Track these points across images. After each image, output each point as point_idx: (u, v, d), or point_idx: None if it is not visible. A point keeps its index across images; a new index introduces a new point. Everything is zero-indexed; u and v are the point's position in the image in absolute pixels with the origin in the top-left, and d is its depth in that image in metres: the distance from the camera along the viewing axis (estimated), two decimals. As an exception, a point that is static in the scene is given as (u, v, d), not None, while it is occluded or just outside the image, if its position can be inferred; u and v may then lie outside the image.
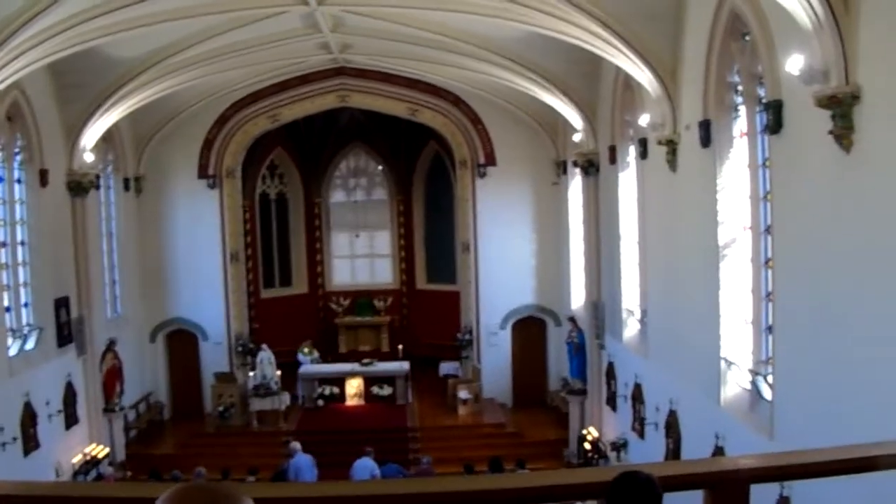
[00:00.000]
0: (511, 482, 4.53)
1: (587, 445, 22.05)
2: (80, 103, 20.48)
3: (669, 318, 16.83)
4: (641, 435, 18.69)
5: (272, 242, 31.95)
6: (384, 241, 33.41)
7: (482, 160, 26.57)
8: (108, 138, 22.69)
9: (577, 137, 22.00)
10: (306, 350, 28.38)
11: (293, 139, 30.87)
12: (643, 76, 15.91)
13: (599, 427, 22.11)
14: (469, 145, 26.64)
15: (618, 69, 17.59)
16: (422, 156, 31.74)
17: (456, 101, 26.13)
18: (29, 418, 18.63)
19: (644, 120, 17.01)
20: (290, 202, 32.52)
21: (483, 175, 26.65)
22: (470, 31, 18.96)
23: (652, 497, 3.71)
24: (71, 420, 20.85)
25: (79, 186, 21.48)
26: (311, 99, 26.29)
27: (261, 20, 18.40)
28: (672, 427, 16.55)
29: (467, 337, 27.26)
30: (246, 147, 27.34)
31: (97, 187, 22.78)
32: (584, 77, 20.53)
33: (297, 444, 19.98)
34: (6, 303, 18.80)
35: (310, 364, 27.75)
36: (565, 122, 22.67)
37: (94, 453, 21.35)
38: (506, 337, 26.96)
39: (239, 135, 26.74)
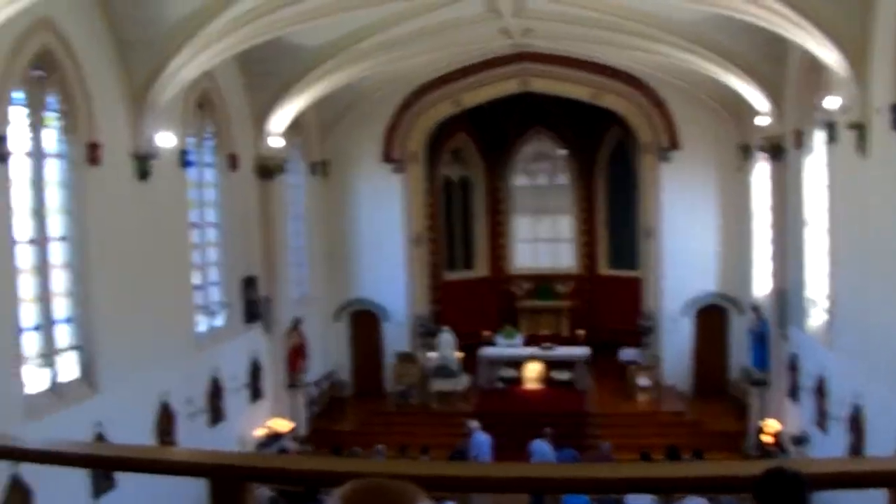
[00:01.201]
0: (654, 472, 4.45)
1: (767, 438, 21.11)
2: (268, 90, 21.06)
3: (859, 310, 15.85)
4: (824, 429, 17.75)
5: (455, 225, 32.07)
6: (566, 225, 33.02)
7: (665, 144, 25.80)
8: (294, 124, 23.21)
9: (761, 121, 21.02)
10: (506, 333, 28.16)
11: (476, 123, 30.83)
12: (830, 56, 15.00)
13: (781, 419, 21.14)
14: (652, 129, 25.93)
15: (803, 49, 16.62)
16: (604, 140, 31.17)
17: (638, 84, 25.44)
18: (216, 391, 19.39)
19: (831, 103, 16.03)
20: (473, 186, 32.57)
21: (666, 159, 25.89)
22: (651, 13, 18.41)
23: (798, 494, 3.66)
24: (255, 394, 21.59)
25: (266, 170, 22.14)
26: (493, 84, 26.19)
27: (442, 6, 18.42)
28: (857, 423, 15.65)
29: (648, 323, 26.61)
30: (429, 131, 27.52)
31: (284, 171, 23.36)
32: (769, 58, 19.56)
33: (475, 422, 20.06)
34: (197, 281, 19.58)
35: (506, 347, 27.57)
36: (749, 105, 21.67)
37: (277, 427, 21.99)
38: (687, 324, 26.16)
39: (422, 119, 26.91)
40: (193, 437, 17.18)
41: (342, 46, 19.94)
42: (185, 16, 15.49)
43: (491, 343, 27.65)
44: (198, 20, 15.53)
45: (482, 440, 19.54)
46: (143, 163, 16.72)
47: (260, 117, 21.44)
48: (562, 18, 19.94)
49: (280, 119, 21.76)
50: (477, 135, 31.71)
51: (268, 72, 20.48)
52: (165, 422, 17.17)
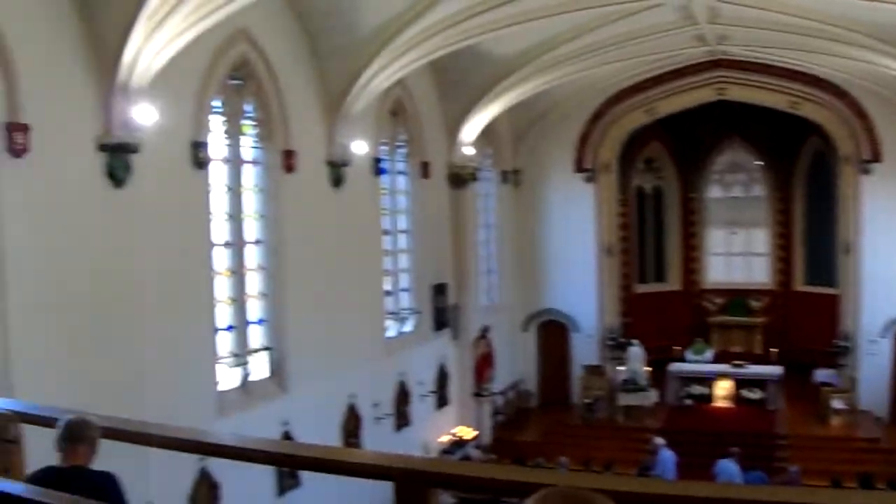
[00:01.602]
0: (846, 500, 3.88)
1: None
2: (460, 99, 20.94)
3: None
4: None
5: (647, 237, 31.09)
6: (761, 239, 31.41)
7: (867, 156, 24.07)
8: (486, 132, 23.04)
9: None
10: (696, 348, 27.11)
11: (669, 133, 29.77)
12: None
13: None
14: (853, 140, 24.27)
15: None
16: (802, 151, 29.40)
17: (839, 92, 23.83)
18: (402, 396, 19.38)
19: None
20: (666, 197, 31.47)
21: (867, 172, 24.16)
22: (855, 17, 17.07)
23: None
24: (441, 401, 21.49)
25: (458, 178, 22.03)
26: (688, 92, 25.20)
27: (635, 14, 17.77)
28: None
29: (845, 344, 24.90)
30: (622, 141, 26.82)
31: (476, 179, 23.19)
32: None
33: (660, 440, 19.37)
34: (388, 287, 19.62)
35: (696, 363, 26.53)
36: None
37: (461, 435, 21.80)
38: (886, 346, 24.28)
39: (615, 129, 26.25)
40: (378, 441, 17.17)
41: (535, 55, 19.58)
42: (379, 25, 15.51)
43: (680, 358, 26.62)
44: (391, 29, 15.53)
45: (668, 457, 18.75)
46: (338, 170, 16.91)
47: (452, 125, 21.35)
48: (758, 24, 18.87)
49: (472, 127, 21.61)
50: (671, 144, 30.63)
51: (460, 80, 20.36)
52: (352, 424, 17.25)
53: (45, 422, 5.96)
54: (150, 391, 11.65)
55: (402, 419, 19.32)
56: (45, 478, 5.19)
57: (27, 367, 10.08)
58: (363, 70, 16.08)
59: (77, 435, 5.37)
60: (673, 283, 31.46)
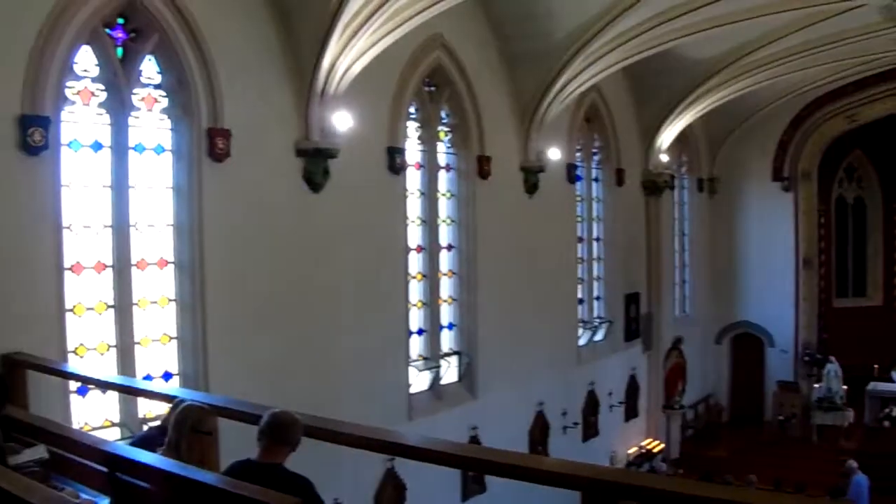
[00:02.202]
0: None
1: None
2: (655, 105, 20.19)
3: None
4: None
5: (847, 249, 29.13)
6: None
7: None
8: (682, 139, 22.19)
9: None
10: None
11: (872, 141, 27.69)
12: None
13: None
14: None
15: None
16: None
17: None
18: (591, 406, 18.77)
19: None
20: (868, 207, 29.39)
21: None
22: None
23: None
24: (630, 412, 20.77)
25: (653, 186, 21.29)
26: (891, 98, 23.36)
27: (836, 16, 16.50)
28: None
29: None
30: (822, 149, 25.28)
31: (671, 187, 22.35)
32: None
33: (853, 463, 18.06)
34: (580, 295, 19.11)
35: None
36: None
37: (649, 447, 20.99)
38: None
39: (815, 136, 24.79)
40: (565, 450, 16.63)
41: (731, 59, 18.54)
42: (573, 30, 15.02)
43: (882, 378, 24.66)
44: (586, 34, 15.01)
45: (862, 483, 17.38)
46: (532, 176, 16.60)
47: (647, 132, 20.61)
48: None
49: (667, 134, 20.77)
50: (873, 152, 28.53)
51: (656, 85, 19.59)
52: (539, 431, 16.83)
53: (240, 416, 6.19)
54: (342, 392, 11.69)
55: (590, 429, 18.73)
56: (242, 471, 5.15)
57: (222, 364, 10.23)
58: (557, 76, 15.66)
59: (281, 436, 5.31)
60: (874, 297, 29.34)
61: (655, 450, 21.11)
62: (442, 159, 14.96)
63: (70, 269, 9.00)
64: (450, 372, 14.99)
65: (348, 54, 11.33)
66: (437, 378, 14.54)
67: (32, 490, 4.29)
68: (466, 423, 14.45)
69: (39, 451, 6.18)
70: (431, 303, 14.63)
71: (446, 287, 15.10)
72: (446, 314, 15.10)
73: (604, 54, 15.77)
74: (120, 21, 9.54)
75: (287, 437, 5.31)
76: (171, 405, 6.25)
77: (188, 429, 5.45)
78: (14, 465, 5.67)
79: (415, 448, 5.65)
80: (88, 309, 9.25)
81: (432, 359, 14.53)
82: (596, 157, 19.87)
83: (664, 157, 21.11)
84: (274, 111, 11.13)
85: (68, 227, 8.94)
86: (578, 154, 18.91)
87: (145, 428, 8.86)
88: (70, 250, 8.96)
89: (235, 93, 10.47)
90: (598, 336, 19.78)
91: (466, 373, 15.17)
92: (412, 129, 14.12)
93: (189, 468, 4.88)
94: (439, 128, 14.82)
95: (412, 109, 13.99)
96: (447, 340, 15.08)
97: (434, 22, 12.70)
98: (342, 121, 11.56)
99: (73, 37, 8.73)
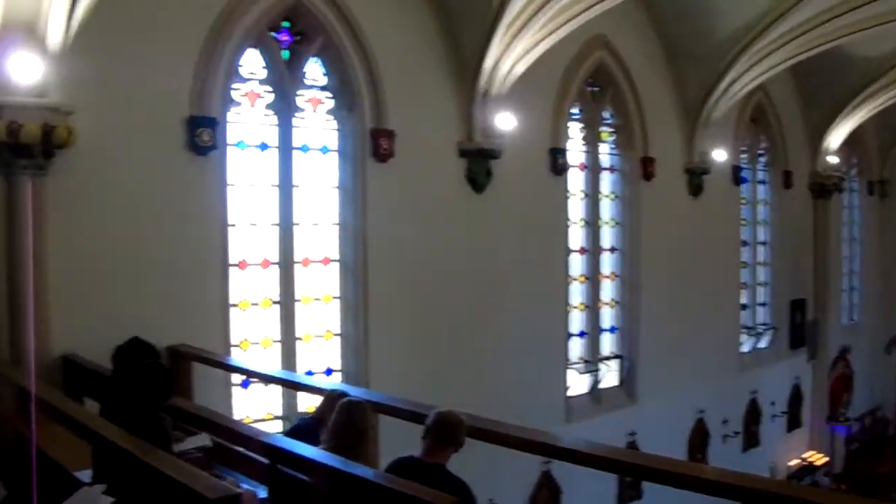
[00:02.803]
0: None
1: None
2: (823, 105, 18.95)
3: None
4: None
5: None
6: None
7: None
8: (852, 140, 20.70)
9: None
10: None
11: None
12: None
13: None
14: None
15: None
16: None
17: None
18: (753, 415, 17.76)
19: None
20: None
21: None
22: None
23: None
24: (793, 423, 19.53)
25: (822, 189, 20.02)
26: None
27: None
28: None
29: None
30: None
31: (840, 190, 20.98)
32: None
33: None
34: (743, 300, 18.16)
35: None
36: None
37: (811, 460, 19.72)
38: None
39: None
40: (724, 459, 15.68)
41: (905, 57, 17.19)
42: (738, 28, 14.15)
43: None
44: (750, 33, 14.12)
45: None
46: (697, 178, 15.87)
47: (815, 133, 19.36)
48: None
49: (836, 135, 19.46)
50: None
51: (824, 85, 18.35)
52: (698, 439, 16.03)
53: (400, 413, 6.28)
54: (500, 393, 11.37)
55: (750, 439, 17.67)
56: (404, 468, 5.12)
57: (383, 362, 10.15)
58: (722, 75, 14.82)
59: (447, 435, 5.26)
60: None
61: (818, 463, 19.79)
62: (605, 160, 14.42)
63: (236, 265, 9.01)
64: (610, 376, 14.43)
65: (511, 55, 11.04)
66: (596, 381, 14.01)
67: (195, 477, 4.28)
68: (625, 429, 13.85)
69: (203, 439, 6.22)
70: (592, 305, 14.12)
71: (608, 289, 14.56)
72: (607, 317, 14.56)
73: (769, 53, 14.82)
74: (285, 24, 9.60)
75: (452, 436, 5.25)
76: (324, 396, 6.25)
77: (350, 424, 5.38)
78: (178, 452, 5.68)
79: (573, 451, 5.52)
80: (253, 304, 9.29)
81: (592, 362, 14.03)
82: (762, 159, 18.82)
83: (833, 159, 19.80)
84: (437, 112, 10.97)
85: (234, 225, 8.99)
86: (744, 156, 17.92)
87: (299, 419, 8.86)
88: (236, 247, 8.98)
89: (399, 94, 10.36)
90: (762, 343, 18.69)
91: (627, 377, 14.59)
92: (575, 129, 13.64)
93: (350, 463, 4.86)
94: (602, 129, 14.27)
95: (575, 110, 13.51)
96: (607, 344, 14.55)
97: (596, 21, 12.18)
98: (505, 121, 11.28)
99: (239, 40, 8.81)
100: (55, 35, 7.09)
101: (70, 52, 7.25)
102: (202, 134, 8.41)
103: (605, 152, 14.39)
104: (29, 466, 4.72)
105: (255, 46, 9.20)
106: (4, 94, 7.01)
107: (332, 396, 5.96)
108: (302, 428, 6.11)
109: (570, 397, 13.38)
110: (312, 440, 5.51)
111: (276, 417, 9.44)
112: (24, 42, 6.96)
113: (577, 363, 13.79)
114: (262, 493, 5.56)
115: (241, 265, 9.13)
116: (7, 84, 6.98)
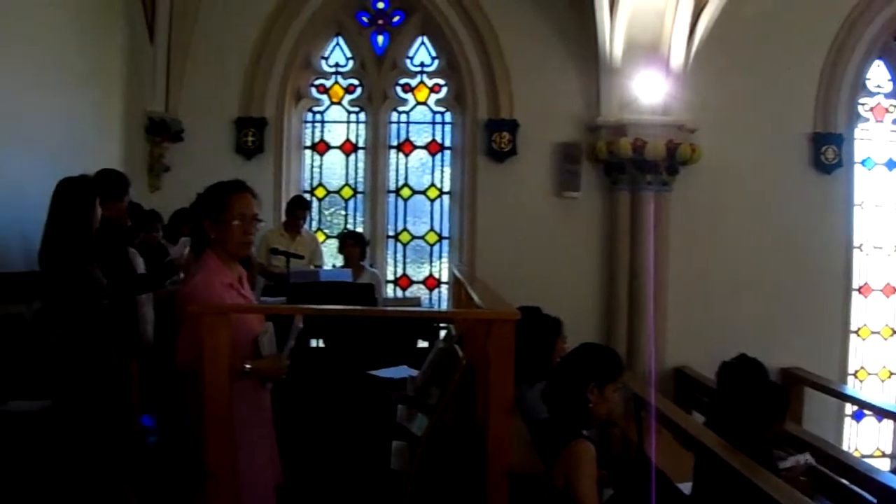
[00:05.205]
0: None
1: None
2: None
3: None
4: None
5: None
6: None
7: None
8: None
9: None
10: None
11: None
12: None
13: None
14: None
15: None
16: None
17: None
18: None
19: None
20: None
21: None
22: None
23: None
24: None
25: None
26: None
27: None
28: None
29: None
30: None
31: None
32: None
33: None
34: None
35: None
36: None
37: None
38: None
39: None
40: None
41: None
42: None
43: None
44: None
45: None
46: None
47: None
48: None
49: None
50: None
51: None
52: None
53: None
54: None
55: None
56: None
57: None
58: None
59: None
60: None
61: None
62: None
63: (858, 290, 8.11)
64: None
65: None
66: None
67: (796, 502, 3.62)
68: None
69: (805, 457, 5.59)
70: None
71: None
72: None
73: None
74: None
75: None
76: None
77: None
78: (781, 469, 5.19)
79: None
80: (873, 332, 8.22)
81: None
82: None
83: None
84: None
85: (859, 247, 8.09)
86: None
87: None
88: (860, 271, 8.08)
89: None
90: None
91: None
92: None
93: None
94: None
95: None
96: None
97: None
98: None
99: (864, 52, 7.90)
100: (677, 55, 7.11)
101: (691, 71, 7.22)
102: (826, 151, 7.77)
103: None
104: (634, 470, 4.61)
105: (879, 58, 8.20)
106: (630, 113, 7.22)
107: None
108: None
109: None
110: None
111: (885, 455, 8.26)
112: (648, 63, 7.10)
113: None
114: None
115: (864, 290, 8.19)
116: (632, 103, 7.18)
